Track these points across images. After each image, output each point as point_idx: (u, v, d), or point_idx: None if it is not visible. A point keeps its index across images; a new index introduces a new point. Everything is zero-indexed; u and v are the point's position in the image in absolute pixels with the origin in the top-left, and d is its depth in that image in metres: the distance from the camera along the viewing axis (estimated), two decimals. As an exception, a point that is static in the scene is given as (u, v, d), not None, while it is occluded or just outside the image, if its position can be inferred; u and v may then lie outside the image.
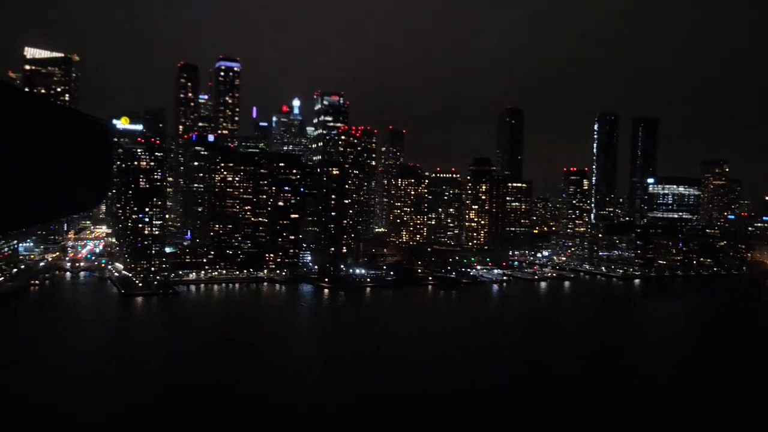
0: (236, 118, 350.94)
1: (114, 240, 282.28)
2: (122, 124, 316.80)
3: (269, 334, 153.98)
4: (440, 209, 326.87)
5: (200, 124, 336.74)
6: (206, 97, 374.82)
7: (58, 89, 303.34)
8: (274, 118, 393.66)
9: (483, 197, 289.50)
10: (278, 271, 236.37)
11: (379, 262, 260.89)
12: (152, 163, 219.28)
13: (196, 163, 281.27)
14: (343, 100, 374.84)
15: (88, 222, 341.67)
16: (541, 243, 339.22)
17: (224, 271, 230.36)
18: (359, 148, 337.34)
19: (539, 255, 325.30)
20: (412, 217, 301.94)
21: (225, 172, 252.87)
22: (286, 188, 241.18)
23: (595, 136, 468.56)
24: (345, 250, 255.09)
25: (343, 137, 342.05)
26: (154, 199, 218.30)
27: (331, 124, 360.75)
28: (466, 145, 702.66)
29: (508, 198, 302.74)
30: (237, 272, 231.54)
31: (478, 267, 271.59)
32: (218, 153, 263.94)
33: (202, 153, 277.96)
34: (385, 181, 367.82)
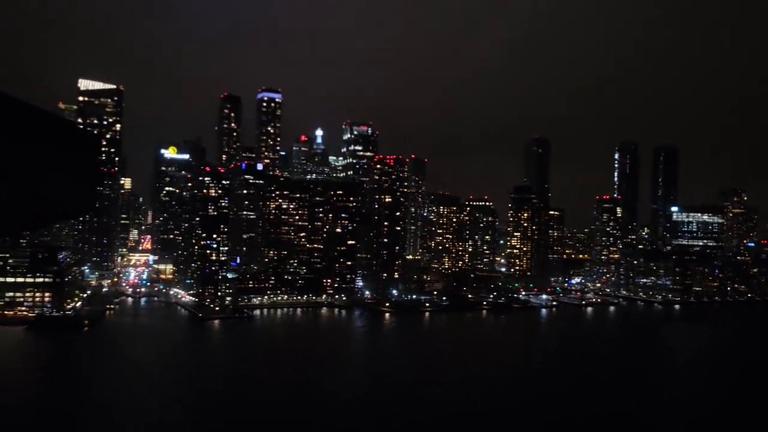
0: (278, 148, 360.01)
1: (163, 266, 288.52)
2: (170, 153, 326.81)
3: (353, 358, 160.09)
4: (477, 236, 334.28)
5: (243, 153, 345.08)
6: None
7: (110, 120, 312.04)
8: (294, 147, 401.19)
9: (525, 224, 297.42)
10: (336, 296, 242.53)
11: (428, 287, 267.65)
12: (219, 191, 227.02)
13: (245, 191, 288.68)
14: (371, 129, 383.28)
15: (124, 250, 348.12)
16: (572, 270, 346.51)
17: (285, 296, 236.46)
18: (393, 177, 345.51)
19: (572, 281, 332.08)
20: (454, 243, 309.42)
21: (280, 200, 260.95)
22: (344, 215, 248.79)
23: (616, 165, 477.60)
24: (396, 276, 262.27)
25: (378, 166, 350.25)
26: (221, 226, 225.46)
27: (361, 153, 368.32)
28: (489, 172, 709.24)
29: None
30: (297, 297, 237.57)
31: (523, 292, 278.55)
32: (271, 181, 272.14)
33: (252, 181, 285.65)
34: (413, 210, 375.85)
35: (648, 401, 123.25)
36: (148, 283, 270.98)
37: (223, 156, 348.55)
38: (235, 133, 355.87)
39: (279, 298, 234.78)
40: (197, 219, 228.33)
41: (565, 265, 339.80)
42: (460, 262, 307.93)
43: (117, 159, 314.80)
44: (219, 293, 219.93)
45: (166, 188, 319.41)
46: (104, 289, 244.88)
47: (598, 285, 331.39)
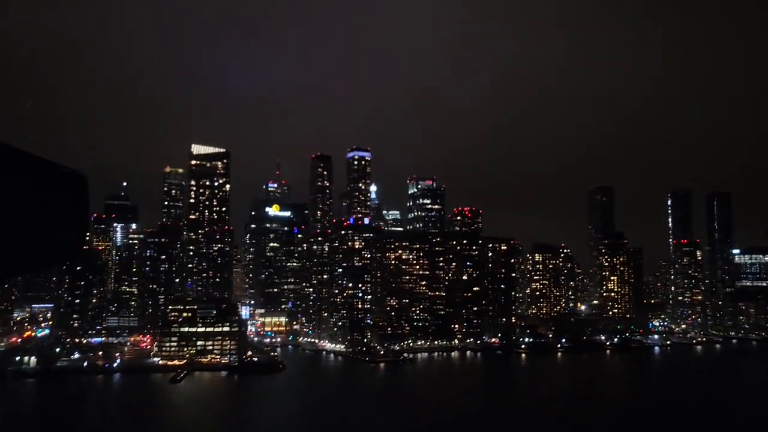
0: (368, 203, 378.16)
1: (270, 319, 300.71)
2: (274, 211, 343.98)
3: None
4: (561, 281, 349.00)
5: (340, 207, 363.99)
6: (275, 185, 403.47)
7: (221, 181, 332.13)
8: (344, 203, 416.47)
9: (621, 268, 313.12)
10: (468, 341, 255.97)
11: (541, 330, 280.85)
12: (362, 243, 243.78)
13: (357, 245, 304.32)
14: (435, 183, 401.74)
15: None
16: (651, 312, 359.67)
17: (421, 342, 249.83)
18: (473, 227, 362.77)
19: (651, 324, 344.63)
20: (551, 289, 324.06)
21: (399, 251, 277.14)
22: (468, 263, 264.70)
23: (669, 211, 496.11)
24: (514, 320, 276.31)
25: (458, 218, 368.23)
26: (365, 276, 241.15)
27: (429, 206, 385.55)
28: (544, 220, 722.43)
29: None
30: (434, 342, 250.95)
31: (627, 334, 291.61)
32: (388, 234, 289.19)
33: (353, 235, 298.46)
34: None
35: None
36: (273, 334, 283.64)
37: (318, 212, 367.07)
38: (327, 191, 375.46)
39: (417, 343, 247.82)
40: (339, 270, 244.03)
41: (646, 307, 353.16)
42: (558, 307, 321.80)
43: (227, 218, 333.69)
44: (365, 339, 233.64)
45: (271, 244, 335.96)
46: (247, 339, 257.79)
47: (683, 326, 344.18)
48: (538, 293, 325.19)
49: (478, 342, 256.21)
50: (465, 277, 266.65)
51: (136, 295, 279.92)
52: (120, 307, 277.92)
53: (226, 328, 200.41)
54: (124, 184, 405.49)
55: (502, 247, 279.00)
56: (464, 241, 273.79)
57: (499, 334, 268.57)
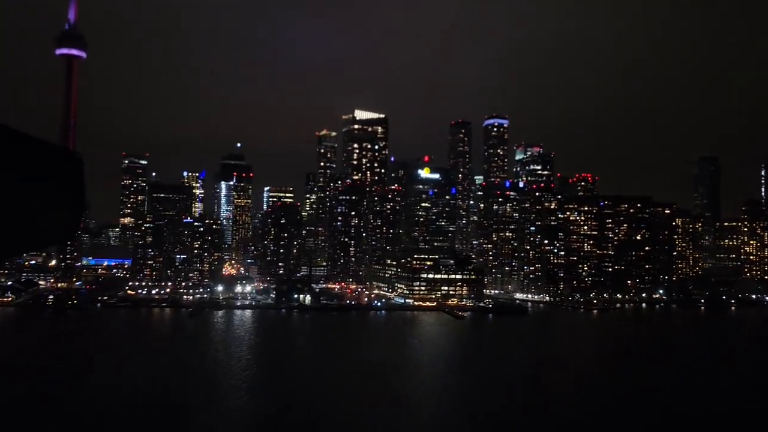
0: (505, 168, 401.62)
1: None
2: (425, 173, 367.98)
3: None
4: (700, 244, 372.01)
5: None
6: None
7: (381, 144, 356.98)
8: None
9: (761, 233, 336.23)
10: (642, 295, 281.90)
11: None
12: (555, 204, 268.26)
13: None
14: (542, 150, 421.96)
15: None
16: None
17: (602, 295, 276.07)
18: (594, 192, 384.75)
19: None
20: (690, 251, 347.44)
21: (567, 212, 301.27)
22: (642, 225, 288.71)
23: (762, 181, 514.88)
24: (674, 278, 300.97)
25: (582, 183, 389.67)
26: (560, 234, 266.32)
27: (540, 172, 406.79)
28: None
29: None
30: (616, 295, 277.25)
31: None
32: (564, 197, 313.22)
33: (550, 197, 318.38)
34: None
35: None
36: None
37: (459, 175, 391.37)
38: (467, 156, 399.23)
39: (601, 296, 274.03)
40: (532, 228, 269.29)
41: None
42: (696, 267, 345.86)
43: (386, 179, 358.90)
44: (558, 290, 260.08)
45: (423, 204, 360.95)
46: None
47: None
48: (675, 254, 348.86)
49: (654, 296, 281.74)
50: (638, 238, 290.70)
51: (328, 248, 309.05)
52: (313, 257, 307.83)
53: (466, 276, 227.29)
54: (238, 145, 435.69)
55: (666, 211, 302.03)
56: (638, 205, 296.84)
57: (660, 290, 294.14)
